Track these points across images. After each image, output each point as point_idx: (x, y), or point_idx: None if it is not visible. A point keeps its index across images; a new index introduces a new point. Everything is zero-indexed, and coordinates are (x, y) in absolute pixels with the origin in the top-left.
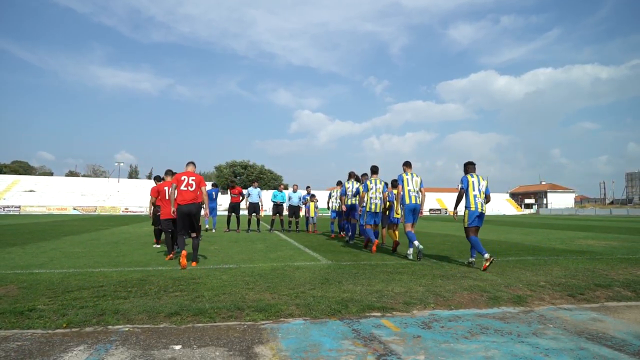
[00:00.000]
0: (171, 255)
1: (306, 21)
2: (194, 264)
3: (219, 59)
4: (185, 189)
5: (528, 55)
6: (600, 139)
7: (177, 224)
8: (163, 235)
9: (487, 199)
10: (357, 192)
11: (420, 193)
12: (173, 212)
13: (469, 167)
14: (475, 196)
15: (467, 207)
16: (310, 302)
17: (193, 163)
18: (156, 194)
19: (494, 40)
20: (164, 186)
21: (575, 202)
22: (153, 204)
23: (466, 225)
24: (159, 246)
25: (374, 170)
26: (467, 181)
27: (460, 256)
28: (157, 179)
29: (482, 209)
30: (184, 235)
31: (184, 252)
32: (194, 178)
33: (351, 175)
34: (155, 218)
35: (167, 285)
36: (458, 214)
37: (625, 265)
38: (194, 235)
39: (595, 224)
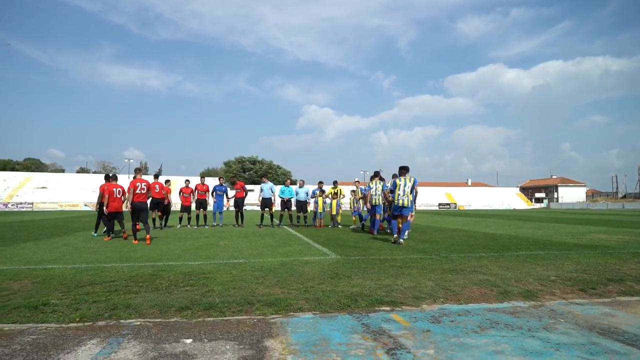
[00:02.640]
0: (109, 237)
1: (313, 16)
2: (147, 236)
3: (227, 56)
4: (140, 192)
5: (538, 48)
6: (611, 133)
7: (132, 215)
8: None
9: (412, 192)
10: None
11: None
12: (128, 206)
13: (401, 172)
14: (399, 195)
15: (393, 200)
16: (320, 297)
17: (141, 169)
18: (108, 192)
19: (504, 33)
20: (112, 187)
21: (586, 196)
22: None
23: (391, 212)
24: (96, 235)
25: (376, 174)
26: (395, 184)
27: (470, 251)
28: (107, 177)
29: (403, 204)
30: (136, 222)
31: (148, 236)
32: (145, 184)
33: (376, 175)
34: (102, 211)
35: (178, 280)
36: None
37: (638, 259)
38: (141, 223)
39: (607, 218)
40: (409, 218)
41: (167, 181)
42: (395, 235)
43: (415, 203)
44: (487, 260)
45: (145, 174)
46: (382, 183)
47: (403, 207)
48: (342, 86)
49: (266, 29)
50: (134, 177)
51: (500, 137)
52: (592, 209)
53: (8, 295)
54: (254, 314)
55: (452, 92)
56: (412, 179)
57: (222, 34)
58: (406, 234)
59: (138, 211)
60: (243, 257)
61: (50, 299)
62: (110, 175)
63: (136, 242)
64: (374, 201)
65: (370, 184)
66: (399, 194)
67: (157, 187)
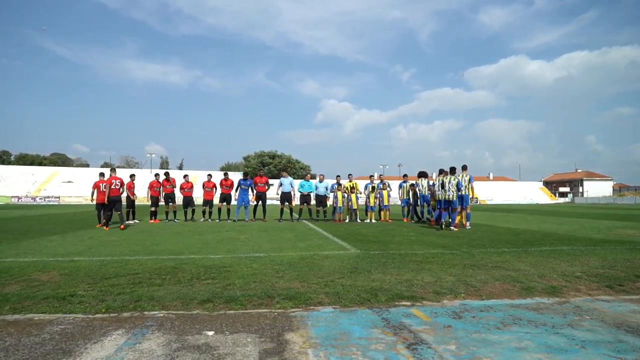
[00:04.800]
0: (100, 224)
1: (332, 10)
2: (122, 227)
3: (246, 50)
4: (114, 187)
5: (562, 39)
6: (638, 125)
7: (108, 206)
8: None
9: (457, 189)
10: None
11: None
12: (105, 199)
13: (451, 171)
14: (446, 191)
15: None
16: (340, 291)
17: (115, 169)
18: (95, 187)
19: (527, 23)
20: (99, 183)
21: (613, 190)
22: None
23: (438, 207)
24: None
25: (441, 171)
26: (437, 183)
27: (492, 246)
28: (101, 175)
29: (447, 198)
30: (117, 211)
31: (122, 226)
32: (118, 181)
33: (441, 172)
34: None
35: (200, 273)
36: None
37: None
38: (118, 212)
39: (636, 213)
40: (458, 209)
41: (186, 176)
42: (442, 221)
43: (470, 197)
44: (509, 255)
45: (167, 168)
46: (440, 179)
47: (449, 201)
48: (361, 80)
49: (284, 23)
50: (110, 175)
51: (522, 130)
52: (619, 204)
53: (37, 286)
54: (275, 307)
55: (472, 84)
56: (456, 178)
57: (241, 29)
58: (456, 221)
59: (113, 203)
60: (263, 251)
61: (77, 290)
62: (101, 172)
63: (107, 228)
64: (437, 196)
65: (435, 181)
66: (445, 191)
67: (117, 183)
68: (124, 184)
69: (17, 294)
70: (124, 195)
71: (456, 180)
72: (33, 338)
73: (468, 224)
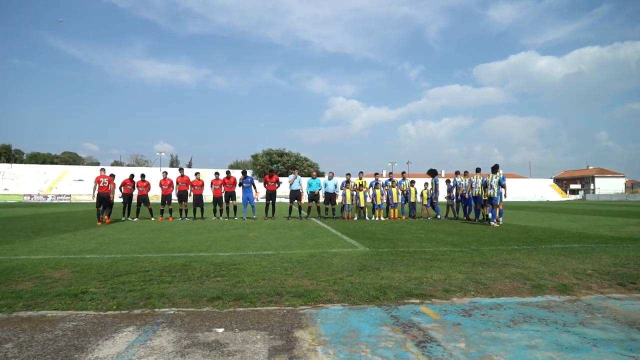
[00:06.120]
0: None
1: (340, 7)
2: (107, 221)
3: (255, 49)
4: (102, 185)
5: (573, 34)
6: None
7: (97, 203)
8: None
9: (484, 186)
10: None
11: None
12: (94, 196)
13: (493, 169)
14: (472, 189)
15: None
16: (349, 289)
17: (104, 168)
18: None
19: (537, 19)
20: (100, 178)
21: (625, 187)
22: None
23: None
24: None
25: (477, 170)
26: (475, 181)
27: (502, 243)
28: (102, 170)
29: (477, 194)
30: (99, 207)
31: (106, 219)
32: (106, 179)
33: (477, 171)
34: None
35: (209, 270)
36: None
37: None
38: (108, 209)
39: None
40: (500, 206)
41: (197, 173)
42: (491, 221)
43: (502, 195)
44: (519, 253)
45: (176, 166)
46: (482, 178)
47: (491, 198)
48: (369, 77)
49: (293, 21)
50: (100, 174)
51: (532, 127)
52: (632, 201)
53: (50, 284)
54: (284, 304)
55: (481, 81)
56: (497, 177)
57: (249, 27)
58: (500, 220)
59: (101, 200)
60: (272, 248)
61: (89, 287)
62: (101, 169)
63: (100, 223)
64: (473, 192)
65: (472, 178)
66: (472, 188)
67: (105, 181)
68: (112, 182)
69: (30, 291)
70: (135, 192)
71: (497, 178)
72: (46, 334)
73: (500, 220)
